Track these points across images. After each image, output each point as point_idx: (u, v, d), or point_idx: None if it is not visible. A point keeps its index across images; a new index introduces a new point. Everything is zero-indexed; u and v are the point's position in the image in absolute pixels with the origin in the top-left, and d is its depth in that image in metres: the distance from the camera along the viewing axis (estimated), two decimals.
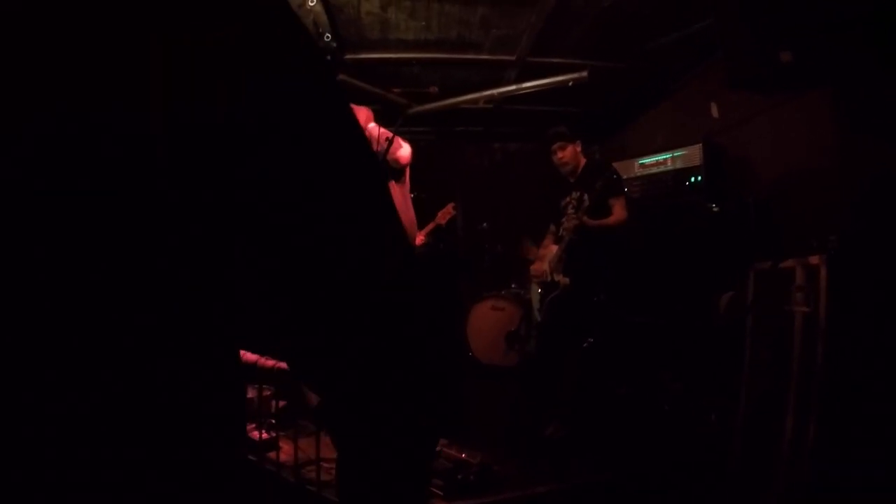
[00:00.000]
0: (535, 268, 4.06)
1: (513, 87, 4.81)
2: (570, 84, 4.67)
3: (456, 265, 5.74)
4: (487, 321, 4.63)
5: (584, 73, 4.61)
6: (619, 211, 3.67)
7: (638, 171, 3.84)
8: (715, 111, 4.77)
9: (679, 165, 3.62)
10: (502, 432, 3.58)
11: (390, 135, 3.36)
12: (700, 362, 3.28)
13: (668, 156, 3.69)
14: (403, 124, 5.92)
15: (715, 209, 3.39)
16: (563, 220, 3.89)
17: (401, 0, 3.74)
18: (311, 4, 3.54)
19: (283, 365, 2.32)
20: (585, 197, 3.73)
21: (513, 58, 4.53)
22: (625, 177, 3.91)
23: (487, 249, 5.26)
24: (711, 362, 3.12)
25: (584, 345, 4.39)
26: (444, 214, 4.42)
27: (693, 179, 3.54)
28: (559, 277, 3.76)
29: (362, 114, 3.57)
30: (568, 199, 3.93)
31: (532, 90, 4.82)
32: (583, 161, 4.07)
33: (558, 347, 3.75)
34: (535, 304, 3.98)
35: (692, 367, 3.34)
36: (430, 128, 5.67)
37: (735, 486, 2.74)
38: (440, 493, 2.78)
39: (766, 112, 4.16)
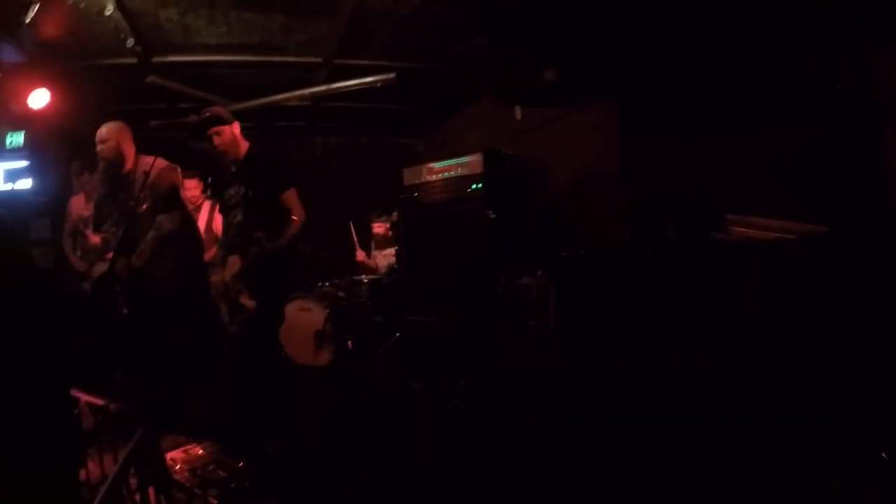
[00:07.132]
0: (216, 279, 3.61)
1: (323, 88, 4.90)
2: (379, 85, 4.80)
3: None
4: (296, 322, 4.72)
5: (392, 76, 4.75)
6: (296, 209, 3.35)
7: (428, 177, 4.01)
8: (518, 114, 5.06)
9: (464, 172, 3.83)
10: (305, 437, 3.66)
11: (151, 162, 3.27)
12: (478, 360, 3.54)
13: (454, 161, 3.89)
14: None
15: (492, 216, 3.64)
16: (230, 216, 3.54)
17: (198, 8, 3.72)
18: (109, 12, 3.52)
19: None
20: (251, 193, 3.36)
21: (320, 60, 4.58)
22: (418, 181, 4.07)
23: (300, 248, 5.30)
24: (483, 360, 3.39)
25: (386, 344, 4.60)
26: None
27: (474, 186, 3.76)
28: (245, 300, 3.42)
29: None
30: (232, 192, 3.50)
31: (343, 90, 4.91)
32: (244, 146, 3.53)
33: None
34: (224, 316, 3.62)
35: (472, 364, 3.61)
36: (253, 123, 5.63)
37: None
38: (216, 501, 2.87)
39: (555, 122, 4.46)
